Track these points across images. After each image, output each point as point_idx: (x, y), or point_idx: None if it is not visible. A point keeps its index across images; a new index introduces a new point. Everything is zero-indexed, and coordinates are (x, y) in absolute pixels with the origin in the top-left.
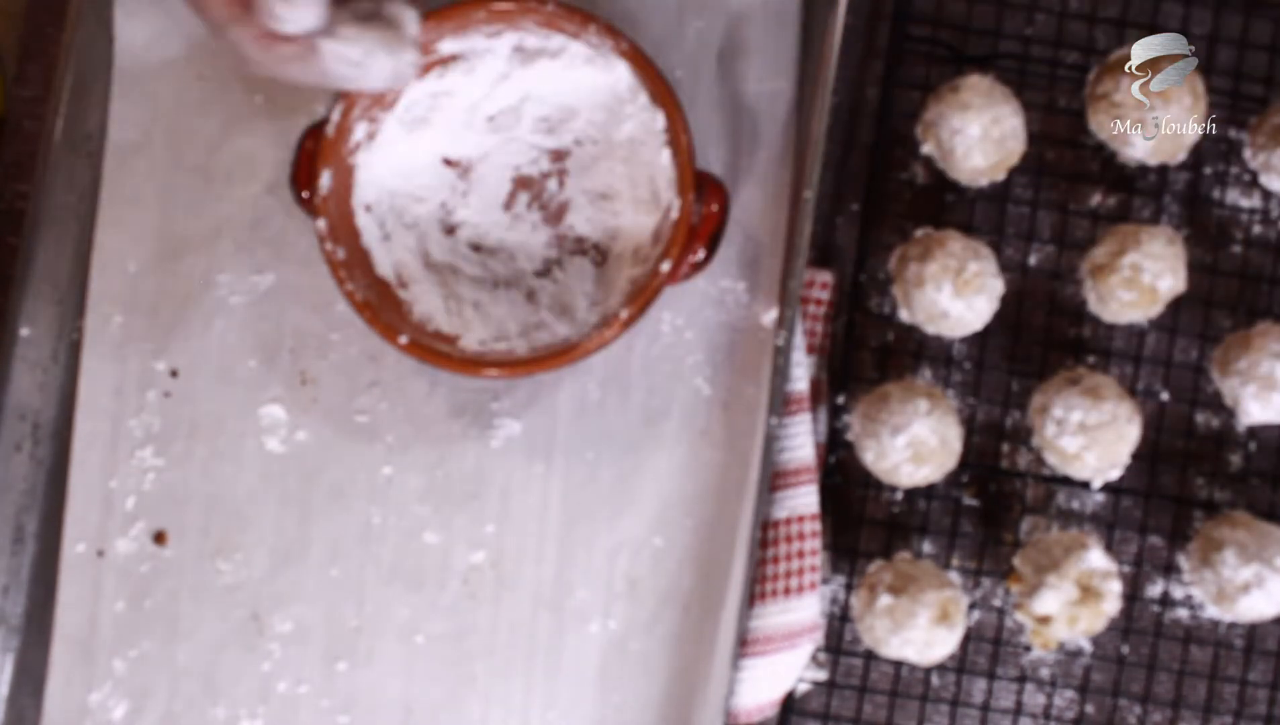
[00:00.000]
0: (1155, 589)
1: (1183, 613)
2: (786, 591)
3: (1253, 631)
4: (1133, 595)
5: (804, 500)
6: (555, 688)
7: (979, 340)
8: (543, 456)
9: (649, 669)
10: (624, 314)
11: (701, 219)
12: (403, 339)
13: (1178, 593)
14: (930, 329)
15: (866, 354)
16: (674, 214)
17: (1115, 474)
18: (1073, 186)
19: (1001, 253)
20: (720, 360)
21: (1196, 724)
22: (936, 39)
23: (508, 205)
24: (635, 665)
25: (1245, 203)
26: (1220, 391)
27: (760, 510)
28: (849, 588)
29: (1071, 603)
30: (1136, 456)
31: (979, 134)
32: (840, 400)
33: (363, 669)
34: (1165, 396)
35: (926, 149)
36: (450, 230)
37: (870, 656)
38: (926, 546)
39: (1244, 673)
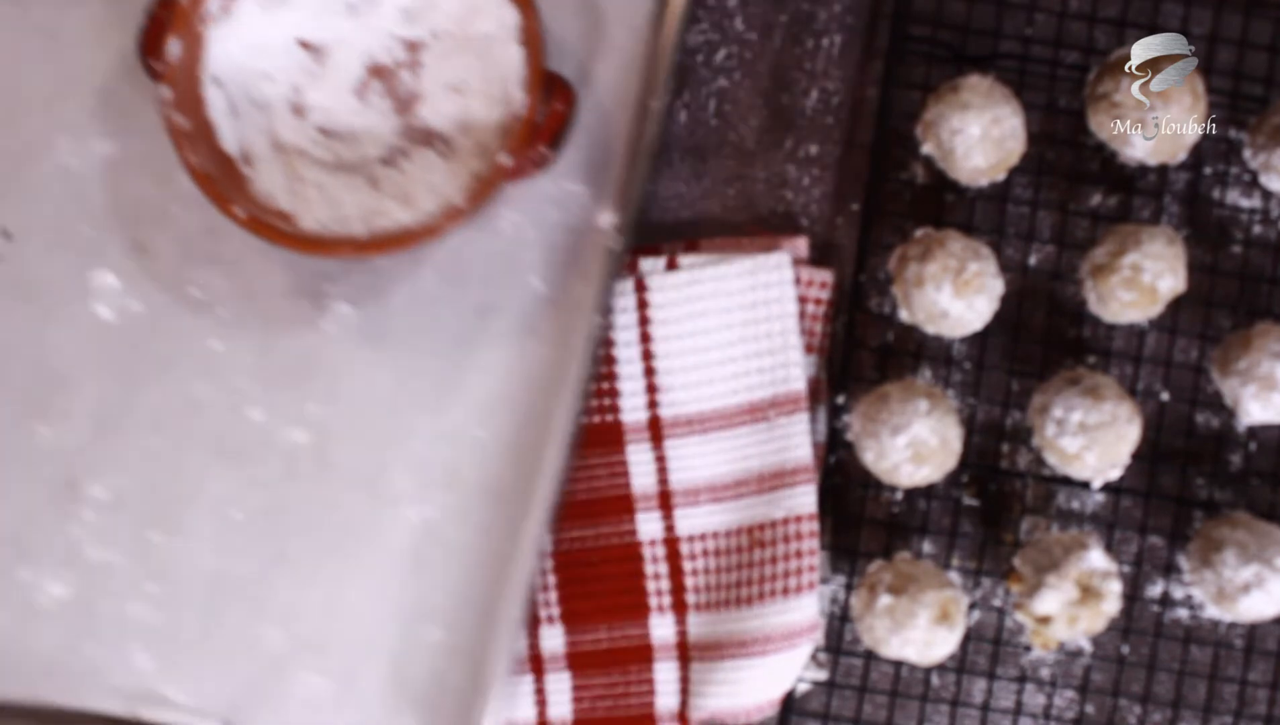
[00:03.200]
0: (1155, 589)
1: (1183, 613)
2: (785, 591)
3: (1253, 631)
4: (1133, 595)
5: (801, 500)
6: (366, 570)
7: (979, 340)
8: (374, 343)
9: (460, 557)
10: (461, 204)
11: (547, 118)
12: (239, 212)
13: (1178, 593)
14: (930, 329)
15: (866, 354)
16: (519, 110)
17: (1115, 474)
18: (1073, 186)
19: (1001, 253)
20: (557, 260)
21: (1196, 724)
22: (936, 39)
23: (360, 92)
24: (447, 552)
25: (1245, 203)
26: (1220, 391)
27: (579, 408)
28: (849, 588)
29: (1071, 603)
30: (1136, 456)
31: (979, 134)
32: (840, 400)
33: (176, 540)
34: (1165, 396)
35: (926, 149)
36: (300, 112)
37: (870, 656)
38: (926, 546)
39: (1244, 673)
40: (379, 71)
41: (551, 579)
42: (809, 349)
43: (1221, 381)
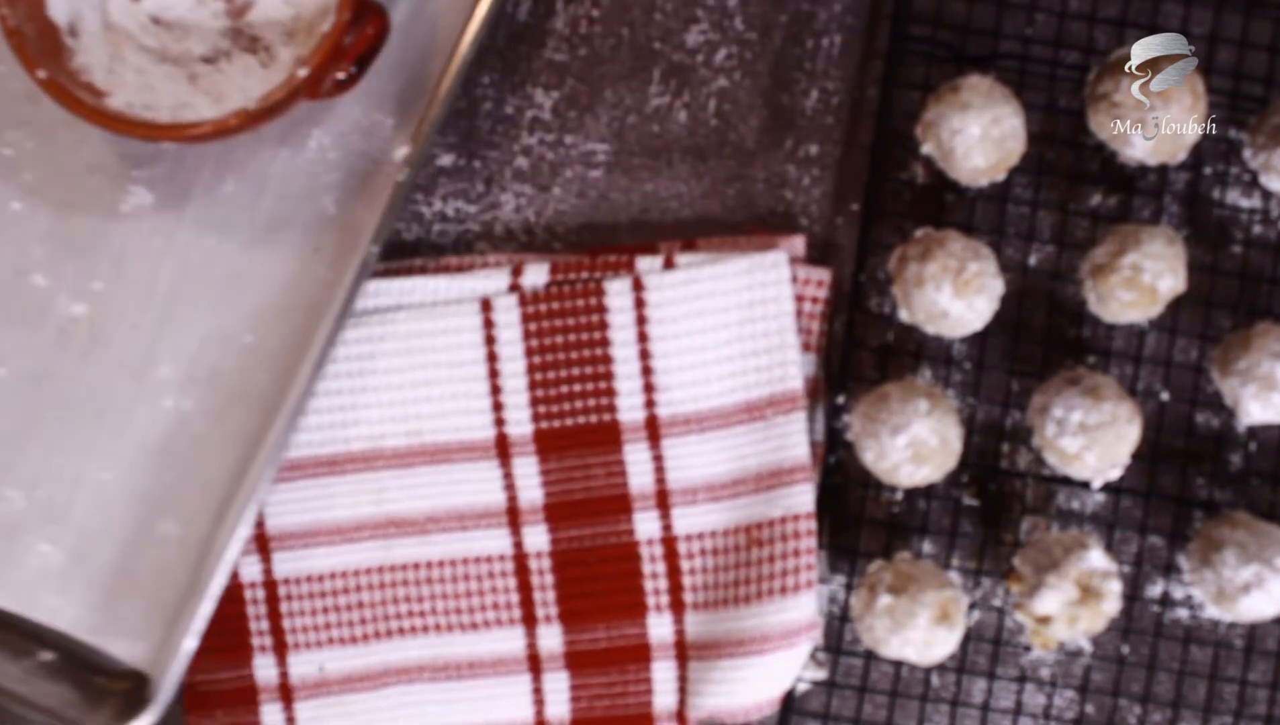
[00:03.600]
0: (1155, 589)
1: (1183, 613)
2: (783, 590)
3: (1253, 631)
4: (1133, 595)
5: (799, 499)
6: (117, 451)
7: (979, 340)
8: (164, 235)
9: (207, 455)
10: (251, 108)
11: (355, 40)
12: (41, 73)
13: (1178, 593)
14: (930, 329)
15: (866, 354)
16: (326, 27)
17: (1115, 474)
18: (1073, 186)
19: (1001, 253)
20: (352, 185)
21: (1196, 724)
22: (936, 39)
23: None
24: (195, 448)
25: (1245, 202)
26: (1220, 391)
27: (340, 329)
28: (849, 587)
29: (1071, 603)
30: (1136, 456)
31: (979, 134)
32: (840, 400)
33: None
34: (1165, 396)
35: (926, 149)
36: None
37: (870, 656)
38: (926, 546)
39: (1244, 673)
40: None
41: (549, 579)
42: (806, 348)
43: (1221, 381)
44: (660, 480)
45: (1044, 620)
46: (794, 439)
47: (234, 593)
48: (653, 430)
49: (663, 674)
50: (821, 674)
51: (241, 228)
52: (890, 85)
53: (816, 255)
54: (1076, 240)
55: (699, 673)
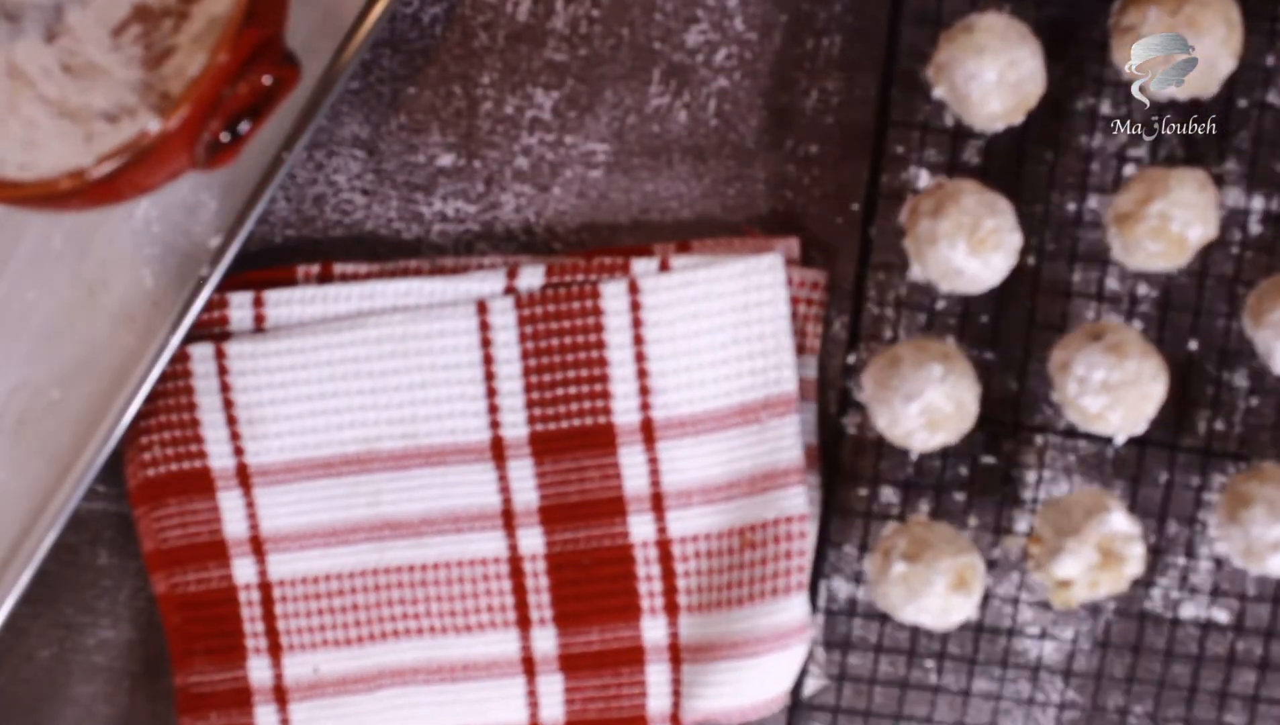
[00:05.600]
0: (1167, 581)
1: (1185, 612)
2: (775, 592)
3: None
4: (1149, 582)
5: (793, 501)
6: None
7: (996, 293)
8: None
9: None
10: (88, 165)
11: (243, 89)
12: None
13: (1179, 592)
14: (944, 287)
15: (877, 310)
16: (193, 71)
17: (1140, 429)
18: (1096, 126)
19: (1019, 201)
20: (171, 263)
21: (1213, 711)
22: None
23: (117, 32)
24: None
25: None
26: (1253, 342)
27: (133, 401)
28: (863, 549)
29: (1092, 567)
30: (1163, 406)
31: (995, 78)
32: (851, 360)
33: None
34: (1194, 346)
35: (939, 92)
36: (52, 37)
37: (879, 650)
38: (943, 506)
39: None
40: (143, 14)
41: (544, 581)
42: (801, 350)
43: (1254, 332)
44: (655, 483)
45: (1064, 584)
46: (788, 442)
47: (228, 594)
48: (648, 433)
49: (657, 677)
50: (822, 675)
51: (63, 286)
52: (898, 18)
53: (818, 256)
54: (1101, 185)
55: (693, 675)
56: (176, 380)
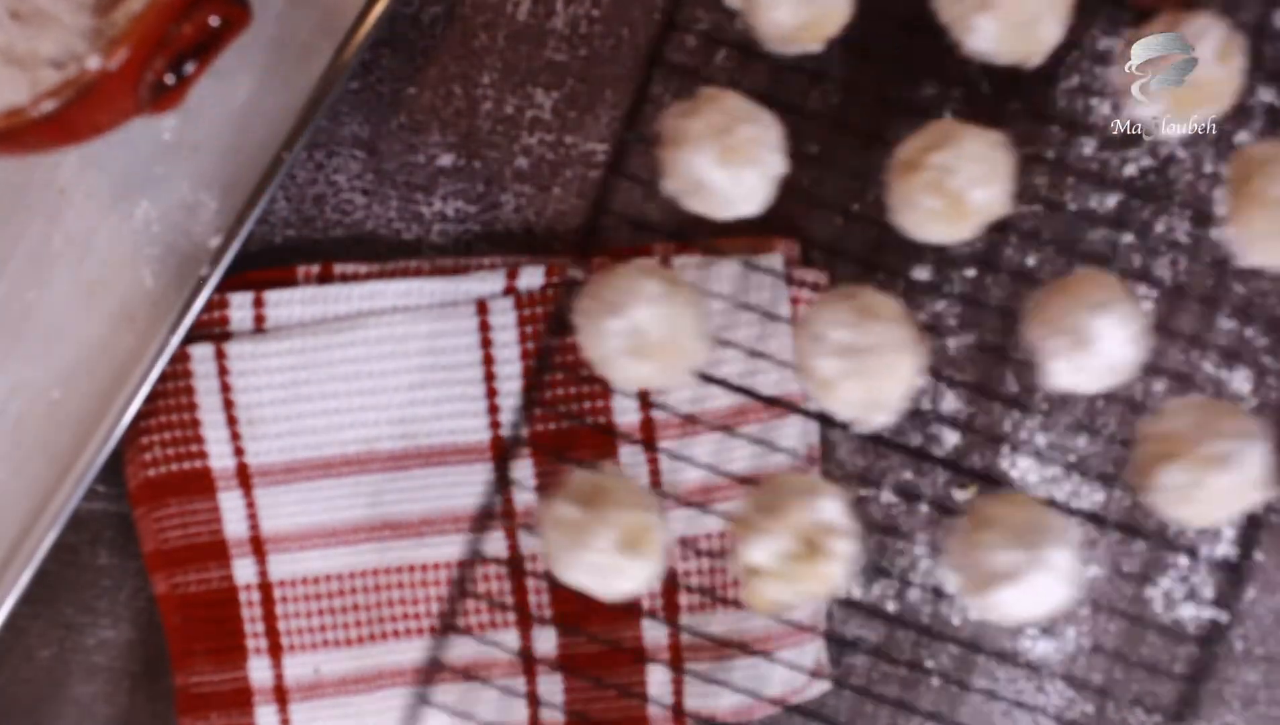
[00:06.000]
0: (1157, 590)
1: (1185, 612)
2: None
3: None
4: (1136, 595)
5: None
6: None
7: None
8: None
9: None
10: (24, 103)
11: (189, 28)
12: None
13: (1179, 592)
14: (690, 205)
15: (618, 224)
16: (136, 8)
17: (882, 419)
18: (902, 73)
19: (799, 135)
20: (171, 263)
21: (1213, 711)
22: None
23: None
24: None
25: (1103, 121)
26: (1030, 343)
27: (134, 400)
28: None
29: (788, 557)
30: (918, 412)
31: None
32: (579, 276)
33: None
34: (970, 338)
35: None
36: None
37: (878, 653)
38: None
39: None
40: None
41: (544, 582)
42: None
43: (1030, 332)
44: (656, 483)
45: (753, 572)
46: (789, 442)
47: (228, 594)
48: (648, 433)
49: (658, 676)
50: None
51: (63, 286)
52: None
53: (818, 256)
54: (895, 137)
55: (695, 674)
56: (177, 380)
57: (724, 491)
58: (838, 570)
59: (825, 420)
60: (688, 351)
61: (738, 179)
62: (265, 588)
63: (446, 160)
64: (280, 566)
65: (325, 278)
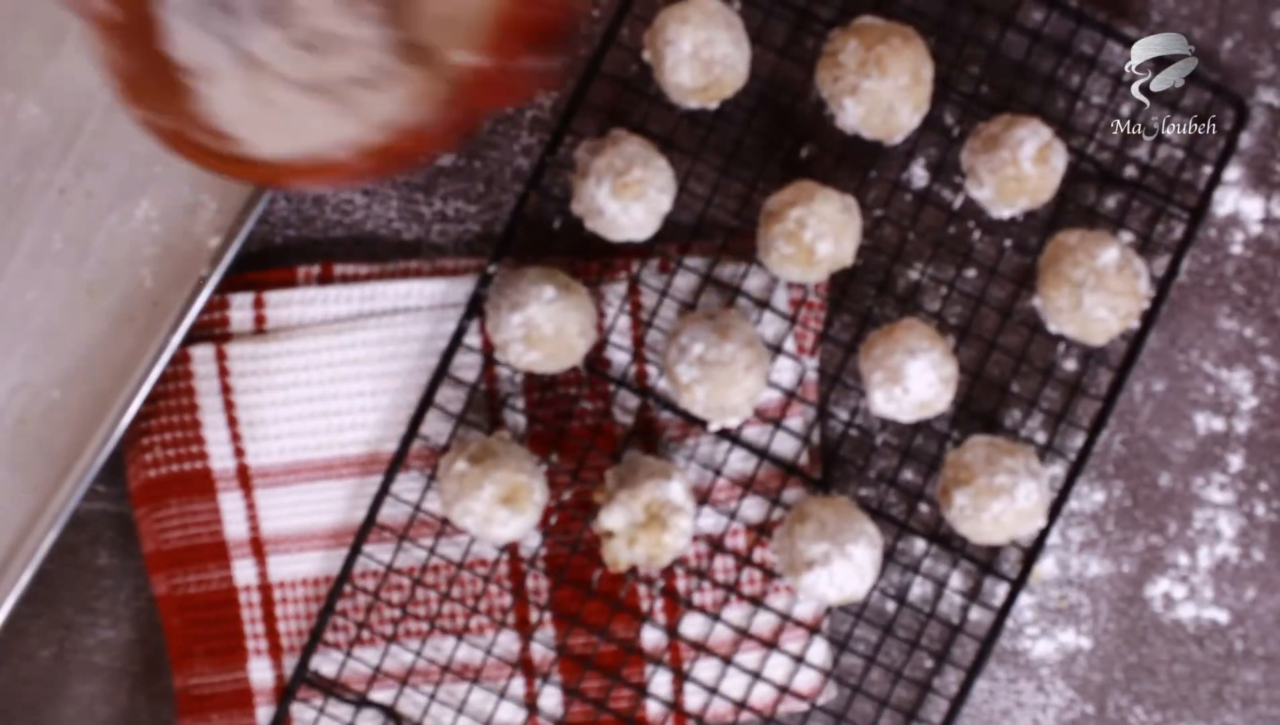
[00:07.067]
0: (1156, 589)
1: (1185, 612)
2: (778, 590)
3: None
4: (1133, 595)
5: (798, 498)
6: None
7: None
8: None
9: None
10: (410, 121)
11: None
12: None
13: (1179, 592)
14: (590, 225)
15: (533, 233)
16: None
17: (733, 421)
18: (784, 137)
19: (688, 181)
20: (170, 263)
21: (1213, 711)
22: None
23: None
24: None
25: (947, 198)
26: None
27: (134, 400)
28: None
29: (635, 525)
30: (773, 420)
31: (689, 51)
32: (491, 270)
33: None
34: (811, 367)
35: (647, 55)
36: (279, 20)
37: (872, 659)
38: (522, 428)
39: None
40: None
41: (544, 582)
42: (800, 351)
43: (861, 366)
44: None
45: (608, 534)
46: (789, 442)
47: (228, 595)
48: (649, 433)
49: (658, 676)
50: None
51: (63, 287)
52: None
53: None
54: (770, 189)
55: (695, 674)
56: (178, 381)
57: (725, 490)
58: (673, 539)
59: (686, 415)
60: (571, 346)
61: (627, 211)
62: (265, 589)
63: (446, 160)
64: (280, 568)
65: (326, 278)
